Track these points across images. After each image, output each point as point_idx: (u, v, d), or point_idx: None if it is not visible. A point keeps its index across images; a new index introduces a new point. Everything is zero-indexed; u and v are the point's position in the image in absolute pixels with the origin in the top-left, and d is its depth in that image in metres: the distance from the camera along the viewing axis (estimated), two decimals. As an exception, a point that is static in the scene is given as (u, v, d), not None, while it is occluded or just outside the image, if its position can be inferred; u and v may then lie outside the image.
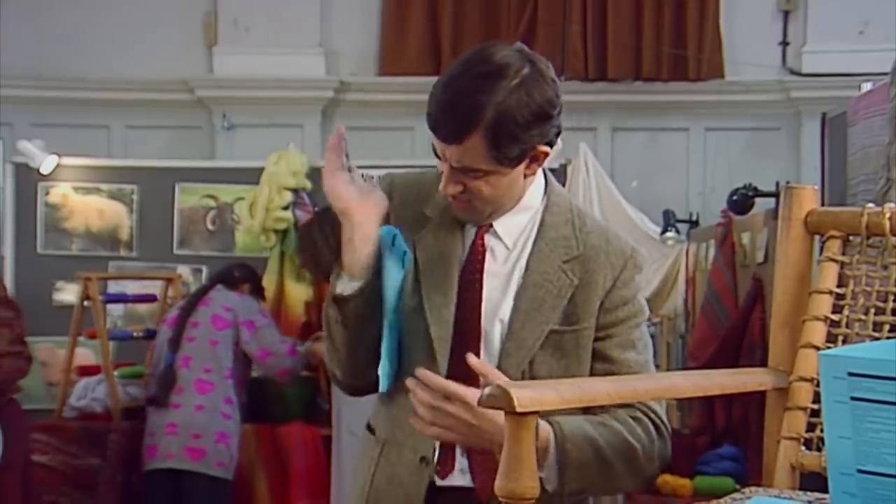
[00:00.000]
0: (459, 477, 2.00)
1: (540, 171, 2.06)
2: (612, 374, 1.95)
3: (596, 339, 2.00)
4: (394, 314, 1.98)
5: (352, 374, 2.06)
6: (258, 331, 4.78)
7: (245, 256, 5.72)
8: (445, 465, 2.00)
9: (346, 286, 1.97)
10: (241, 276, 5.01)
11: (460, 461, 2.00)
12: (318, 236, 4.48)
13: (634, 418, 1.94)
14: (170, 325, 4.82)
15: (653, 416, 1.96)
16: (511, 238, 2.03)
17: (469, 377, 1.87)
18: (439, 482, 2.00)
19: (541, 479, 1.68)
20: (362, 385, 2.09)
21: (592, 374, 1.98)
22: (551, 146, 1.96)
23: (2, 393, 4.18)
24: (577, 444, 1.85)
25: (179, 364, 4.69)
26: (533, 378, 1.94)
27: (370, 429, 2.12)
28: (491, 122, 1.85)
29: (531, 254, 2.01)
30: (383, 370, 1.99)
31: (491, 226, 2.03)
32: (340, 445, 4.08)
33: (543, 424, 1.81)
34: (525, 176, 1.99)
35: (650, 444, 1.94)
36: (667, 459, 1.99)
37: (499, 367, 1.93)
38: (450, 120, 1.88)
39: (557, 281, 1.98)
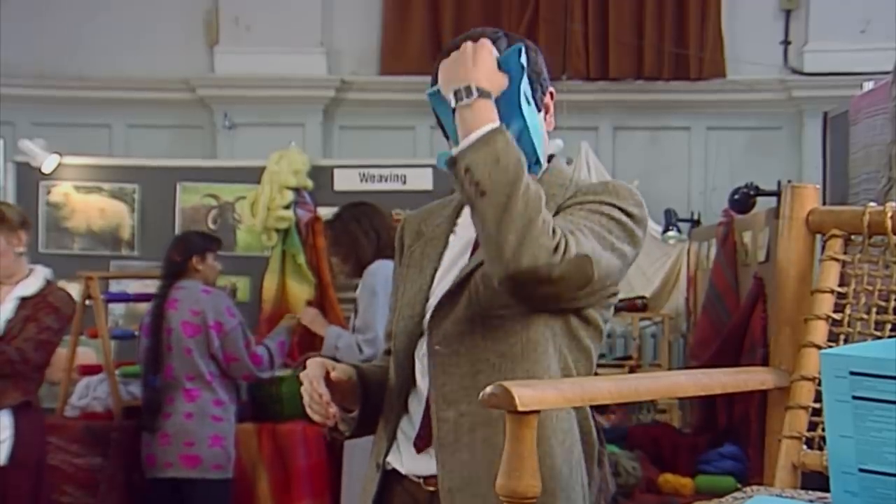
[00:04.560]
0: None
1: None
2: None
3: None
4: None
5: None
6: (226, 335, 4.64)
7: (246, 255, 5.72)
8: (423, 437, 2.00)
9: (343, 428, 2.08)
10: (183, 257, 4.77)
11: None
12: (357, 231, 4.46)
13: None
14: (145, 335, 4.72)
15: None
16: None
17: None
18: (414, 457, 2.01)
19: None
20: None
21: None
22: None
23: None
24: (510, 151, 1.77)
25: (164, 375, 4.64)
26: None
27: None
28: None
29: None
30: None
31: None
32: (354, 442, 4.06)
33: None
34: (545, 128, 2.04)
35: (547, 222, 1.77)
36: (560, 272, 1.77)
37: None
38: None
39: None
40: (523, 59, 1.93)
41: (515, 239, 1.73)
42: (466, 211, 2.11)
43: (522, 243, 1.73)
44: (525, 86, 1.95)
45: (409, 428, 2.03)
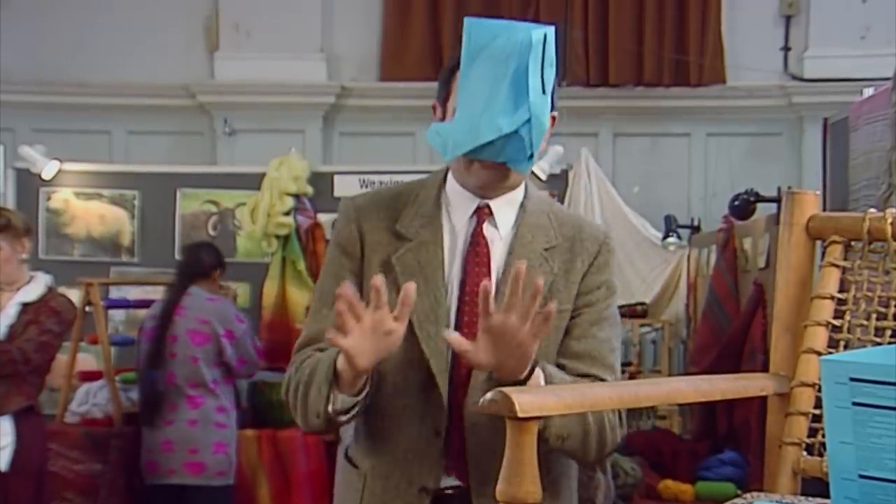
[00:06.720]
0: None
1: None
2: (578, 348, 1.99)
3: (570, 317, 2.02)
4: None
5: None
6: (237, 341, 4.70)
7: (247, 262, 5.73)
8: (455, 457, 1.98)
9: (341, 402, 1.91)
10: (211, 263, 4.86)
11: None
12: None
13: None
14: (147, 339, 4.73)
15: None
16: (505, 228, 2.04)
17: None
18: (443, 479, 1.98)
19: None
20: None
21: (560, 348, 2.00)
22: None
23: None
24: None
25: (166, 380, 4.64)
26: None
27: (349, 460, 2.09)
28: None
29: (514, 238, 2.03)
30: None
31: (490, 213, 2.03)
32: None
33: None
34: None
35: (614, 423, 1.96)
36: (616, 448, 2.05)
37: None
38: None
39: (540, 267, 1.99)
40: (549, 47, 1.90)
41: (597, 454, 1.98)
42: (454, 203, 2.05)
43: (603, 452, 1.99)
44: (549, 75, 1.91)
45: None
